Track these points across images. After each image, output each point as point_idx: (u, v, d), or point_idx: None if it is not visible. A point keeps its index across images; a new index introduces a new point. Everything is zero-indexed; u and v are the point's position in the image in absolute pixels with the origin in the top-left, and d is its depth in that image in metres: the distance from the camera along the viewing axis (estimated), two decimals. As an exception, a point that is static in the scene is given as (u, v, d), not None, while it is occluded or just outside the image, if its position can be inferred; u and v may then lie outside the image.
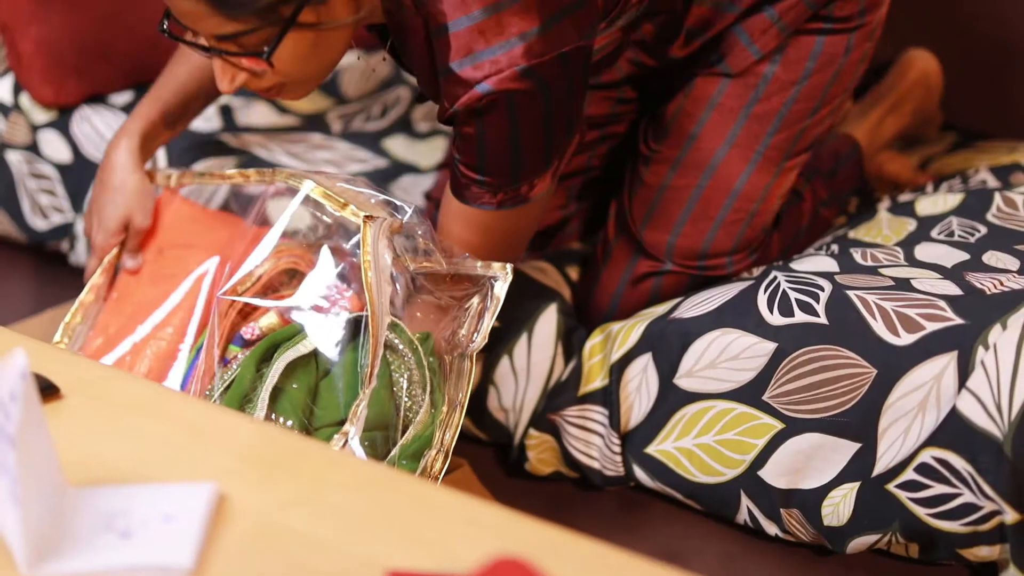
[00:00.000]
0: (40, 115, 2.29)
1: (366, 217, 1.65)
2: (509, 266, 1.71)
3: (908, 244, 1.93)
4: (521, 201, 1.71)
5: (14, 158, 2.30)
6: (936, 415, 1.65)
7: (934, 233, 1.95)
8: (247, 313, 1.77)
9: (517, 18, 1.57)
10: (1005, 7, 2.10)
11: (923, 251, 1.90)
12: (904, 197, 2.13)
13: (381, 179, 2.18)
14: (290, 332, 1.70)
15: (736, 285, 1.87)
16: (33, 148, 2.29)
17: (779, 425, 1.74)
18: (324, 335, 1.68)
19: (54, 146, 2.27)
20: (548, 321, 1.95)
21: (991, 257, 1.84)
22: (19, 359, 1.08)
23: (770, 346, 1.74)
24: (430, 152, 2.29)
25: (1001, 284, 1.73)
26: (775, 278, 1.83)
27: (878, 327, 1.70)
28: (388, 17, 1.67)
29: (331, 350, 1.67)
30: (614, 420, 1.87)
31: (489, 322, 1.69)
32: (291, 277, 1.80)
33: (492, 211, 1.71)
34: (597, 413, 1.89)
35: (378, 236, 1.65)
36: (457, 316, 1.73)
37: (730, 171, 1.94)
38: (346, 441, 1.58)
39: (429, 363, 1.68)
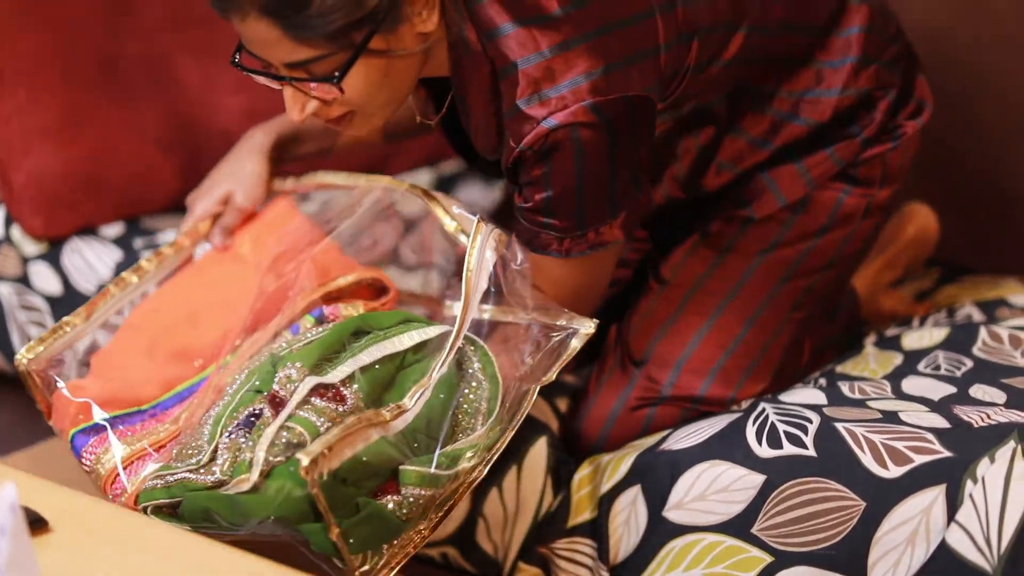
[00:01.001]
0: (31, 247, 2.30)
1: (480, 218, 1.69)
2: (593, 323, 1.71)
3: (895, 377, 1.94)
4: (589, 249, 1.73)
5: (4, 290, 2.31)
6: (926, 548, 1.65)
7: (920, 367, 1.95)
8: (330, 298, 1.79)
9: (584, 58, 1.64)
10: (984, 145, 2.13)
11: (910, 384, 1.90)
12: (890, 332, 2.14)
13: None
14: (389, 320, 1.70)
15: (725, 417, 1.87)
16: (23, 280, 2.29)
17: (768, 558, 1.73)
18: (427, 332, 1.69)
19: (44, 278, 2.28)
20: (538, 454, 1.95)
21: (978, 391, 1.84)
22: (8, 493, 1.08)
23: (759, 478, 1.74)
24: (418, 287, 2.30)
25: (988, 417, 1.73)
26: (763, 410, 1.83)
27: (866, 459, 1.70)
28: (452, 58, 1.70)
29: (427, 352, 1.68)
30: (603, 553, 1.86)
31: (559, 367, 1.69)
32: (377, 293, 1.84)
33: (561, 259, 1.73)
34: (586, 546, 1.88)
35: (487, 240, 1.69)
36: (529, 349, 1.73)
37: (736, 317, 1.95)
38: (400, 412, 1.58)
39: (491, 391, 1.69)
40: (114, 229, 2.32)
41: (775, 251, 1.95)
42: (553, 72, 1.64)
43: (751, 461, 1.76)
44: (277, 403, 1.57)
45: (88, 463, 1.69)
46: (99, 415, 1.72)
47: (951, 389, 1.86)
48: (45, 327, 2.27)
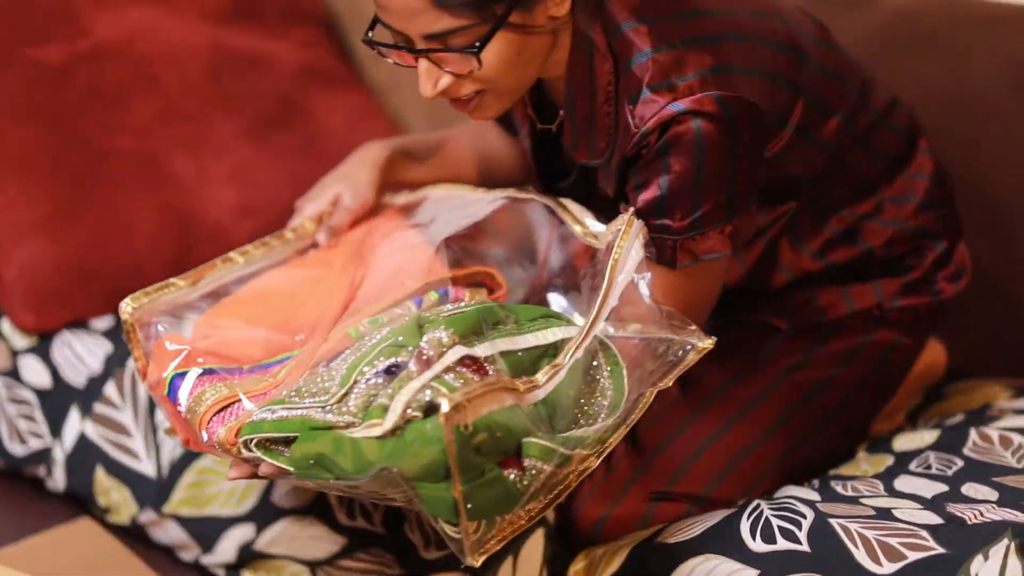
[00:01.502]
0: (20, 341, 2.29)
1: (633, 213, 1.71)
2: (711, 339, 1.71)
3: (887, 476, 1.93)
4: (698, 258, 1.74)
5: (-7, 383, 2.31)
6: (922, 644, 1.64)
7: (912, 466, 1.95)
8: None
9: (712, 54, 1.71)
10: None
11: (902, 483, 1.90)
12: (881, 436, 2.15)
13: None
14: (530, 314, 1.70)
15: (720, 511, 1.87)
16: (12, 373, 2.29)
17: (763, 652, 1.73)
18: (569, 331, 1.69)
19: (34, 371, 2.27)
20: (534, 545, 1.94)
21: (970, 489, 1.84)
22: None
23: (752, 573, 1.73)
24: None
25: (981, 515, 1.73)
26: (758, 505, 1.83)
27: (860, 555, 1.69)
28: (575, 48, 1.75)
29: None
30: (597, 646, 1.85)
31: (675, 375, 1.68)
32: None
33: (670, 270, 1.74)
34: (580, 639, 1.87)
35: (636, 236, 1.71)
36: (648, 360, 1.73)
37: (753, 427, 1.96)
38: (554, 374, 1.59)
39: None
40: (104, 322, 2.32)
41: (802, 371, 1.96)
42: (682, 62, 1.70)
43: (745, 556, 1.75)
44: (424, 361, 1.54)
45: (184, 403, 1.69)
46: (199, 362, 1.73)
47: (943, 487, 1.86)
48: (35, 421, 2.27)
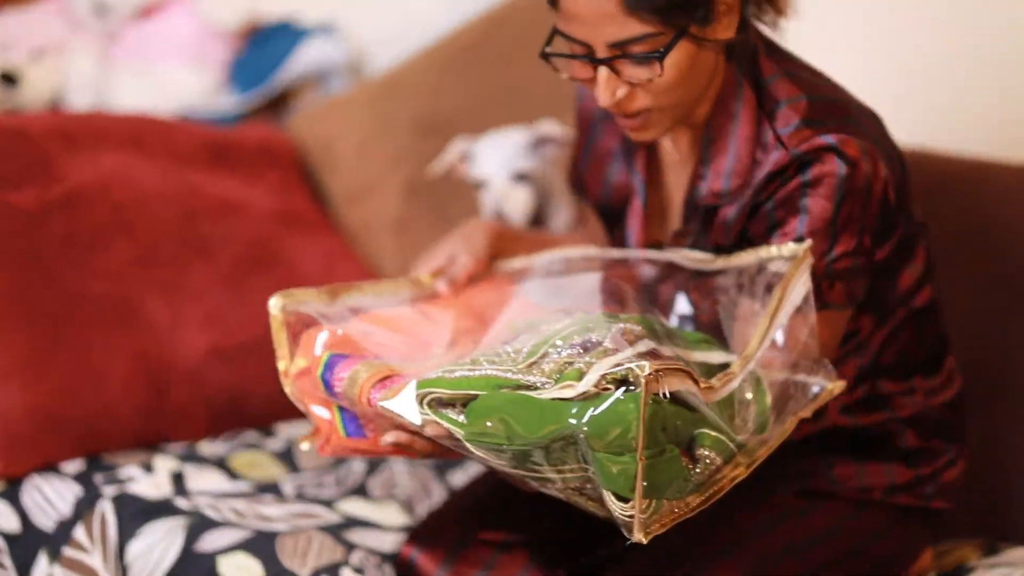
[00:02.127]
0: (-11, 485, 2.27)
1: (807, 247, 1.74)
2: (841, 383, 1.73)
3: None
4: (824, 305, 1.79)
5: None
6: None
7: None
8: None
9: (857, 119, 1.83)
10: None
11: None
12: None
13: (336, 529, 2.17)
14: (693, 337, 1.76)
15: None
16: (-19, 518, 2.26)
17: None
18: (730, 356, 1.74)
19: (3, 516, 2.24)
20: None
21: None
22: None
23: None
24: (386, 515, 2.28)
25: None
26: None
27: None
28: (724, 87, 1.86)
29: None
30: None
31: (812, 408, 1.70)
32: None
33: None
34: None
35: (804, 271, 1.73)
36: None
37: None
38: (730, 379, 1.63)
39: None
40: (74, 465, 2.30)
41: (806, 548, 1.94)
42: (832, 111, 1.82)
43: None
44: (621, 341, 1.60)
45: (343, 376, 1.73)
46: (352, 347, 1.79)
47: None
48: (4, 567, 2.23)
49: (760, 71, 1.86)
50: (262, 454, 2.43)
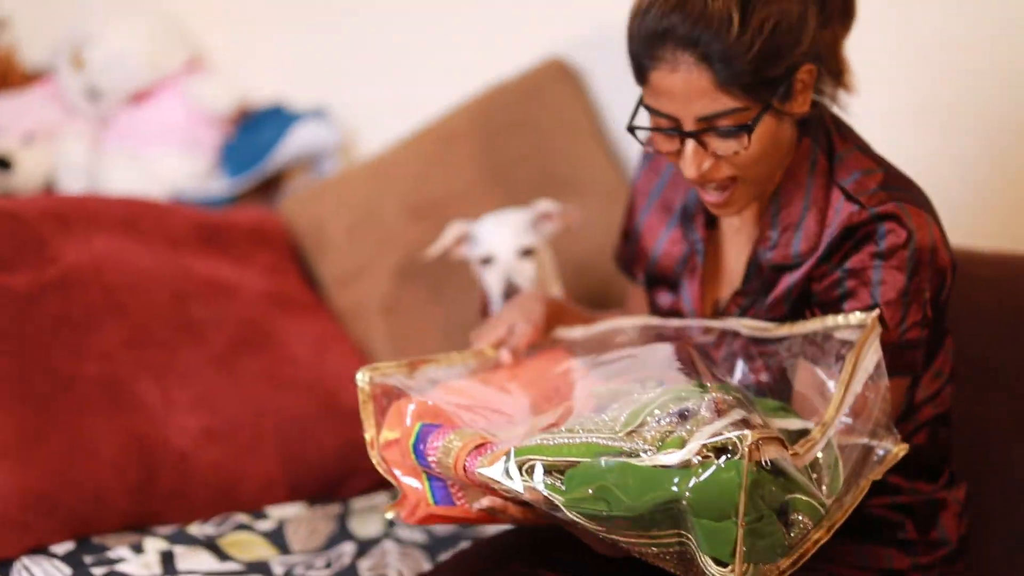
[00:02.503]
0: (-21, 569, 2.26)
1: (876, 316, 1.80)
2: (904, 446, 1.78)
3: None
4: (895, 372, 1.84)
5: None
6: None
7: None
8: None
9: (925, 200, 1.91)
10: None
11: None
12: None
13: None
14: (770, 406, 1.80)
15: None
16: (-31, 600, 2.25)
17: None
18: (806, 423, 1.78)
19: (-8, 598, 2.24)
20: None
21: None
22: None
23: None
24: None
25: None
26: None
27: None
28: (796, 158, 1.93)
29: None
30: None
31: (882, 471, 1.76)
32: None
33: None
34: None
35: (875, 339, 1.78)
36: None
37: None
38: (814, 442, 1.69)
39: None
40: (64, 547, 2.29)
41: None
42: (906, 186, 1.90)
43: None
44: (717, 410, 1.66)
45: (437, 445, 1.79)
46: (441, 417, 1.86)
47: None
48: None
49: (833, 144, 1.95)
50: (253, 535, 2.43)
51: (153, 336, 2.55)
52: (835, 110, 2.02)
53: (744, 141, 1.83)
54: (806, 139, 1.95)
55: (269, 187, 3.41)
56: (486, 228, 2.46)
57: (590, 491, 1.63)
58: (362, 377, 1.94)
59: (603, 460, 1.64)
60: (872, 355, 1.78)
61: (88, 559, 2.26)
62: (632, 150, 2.87)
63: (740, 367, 1.95)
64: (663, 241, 2.14)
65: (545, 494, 1.66)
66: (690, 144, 1.85)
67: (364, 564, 2.40)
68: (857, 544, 1.98)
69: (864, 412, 1.78)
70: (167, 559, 2.29)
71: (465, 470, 1.76)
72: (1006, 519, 2.24)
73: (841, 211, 1.89)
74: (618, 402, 1.76)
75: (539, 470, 1.67)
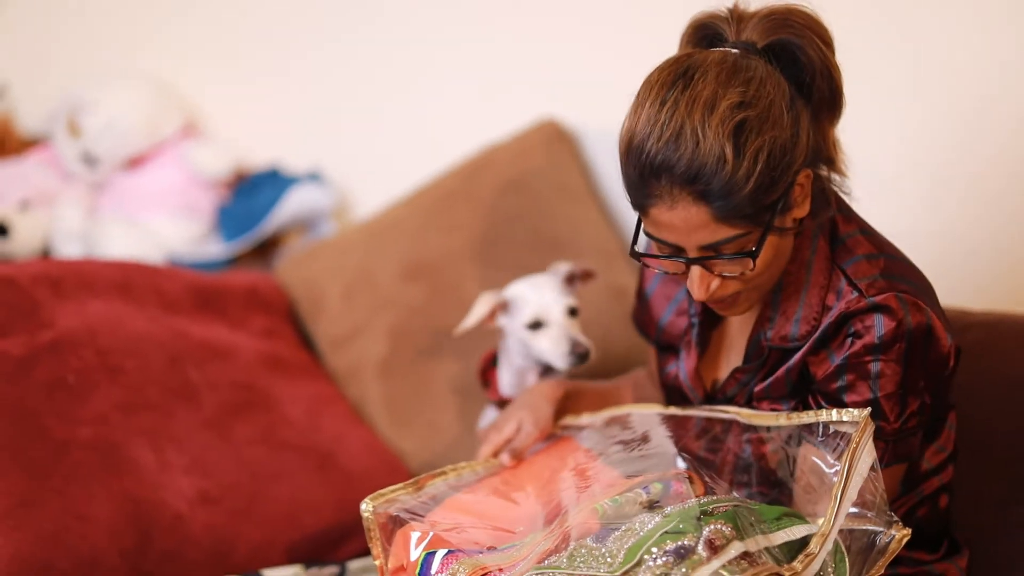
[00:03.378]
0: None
1: (867, 415, 1.81)
2: (907, 530, 1.79)
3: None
4: (895, 459, 1.90)
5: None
6: None
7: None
8: None
9: (924, 284, 1.92)
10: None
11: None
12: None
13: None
14: (773, 513, 1.81)
15: None
16: (-37, 668, 2.23)
17: None
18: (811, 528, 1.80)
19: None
20: None
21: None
22: None
23: None
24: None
25: None
26: None
27: None
28: (796, 248, 1.94)
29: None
30: None
31: (885, 562, 1.80)
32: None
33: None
34: None
35: (868, 439, 1.80)
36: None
37: None
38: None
39: None
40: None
41: None
42: (907, 274, 1.91)
43: None
44: (713, 548, 1.69)
45: (442, 575, 1.86)
46: (445, 541, 1.91)
47: None
48: None
49: (836, 226, 1.95)
50: (248, 598, 2.42)
51: (148, 399, 2.54)
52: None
53: (748, 263, 1.83)
54: (808, 219, 1.95)
55: (265, 250, 3.41)
56: (526, 293, 2.41)
57: None
58: (366, 507, 1.99)
59: None
60: (867, 457, 1.80)
61: (82, 625, 2.24)
62: (627, 211, 2.88)
63: (745, 451, 1.99)
64: (671, 311, 2.16)
65: None
66: (695, 270, 1.87)
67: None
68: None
69: (865, 505, 1.80)
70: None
71: None
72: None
73: (842, 294, 1.89)
74: (619, 529, 1.78)
75: None
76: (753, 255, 1.81)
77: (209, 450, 2.56)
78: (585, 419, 2.20)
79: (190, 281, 2.85)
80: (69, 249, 3.32)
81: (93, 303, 2.62)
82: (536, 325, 2.36)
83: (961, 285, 2.54)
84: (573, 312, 2.38)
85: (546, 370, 2.42)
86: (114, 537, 2.36)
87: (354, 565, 2.56)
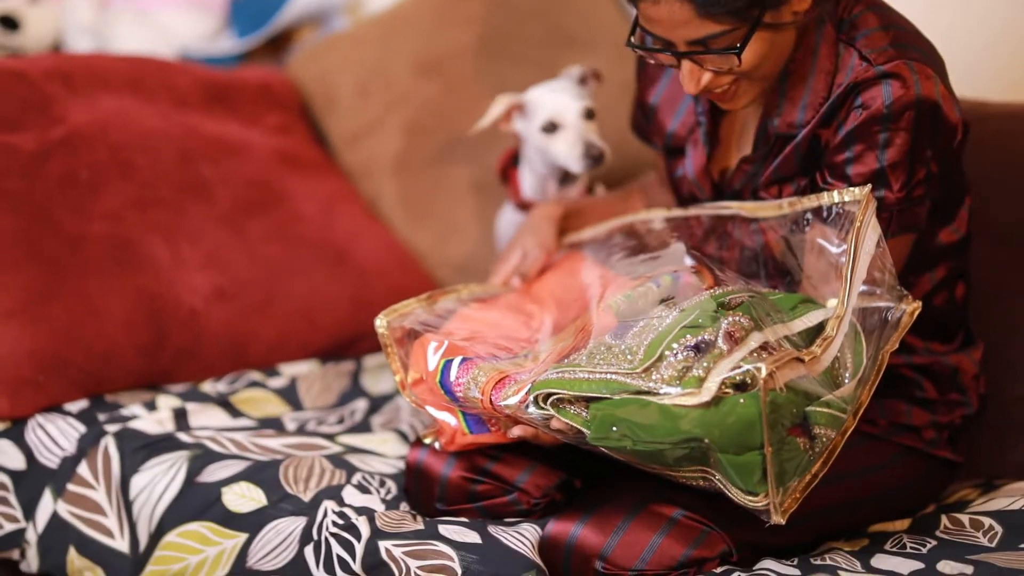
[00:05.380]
0: (-7, 424, 2.29)
1: (868, 192, 1.82)
2: (917, 303, 1.81)
3: (863, 555, 1.93)
4: (901, 229, 1.91)
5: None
6: None
7: (887, 546, 1.96)
8: None
9: (935, 55, 1.92)
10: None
11: (878, 561, 1.90)
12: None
13: (338, 456, 2.21)
14: (791, 302, 1.83)
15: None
16: (-14, 457, 2.27)
17: None
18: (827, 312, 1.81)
19: (7, 454, 2.25)
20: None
21: (945, 566, 1.85)
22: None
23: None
24: (386, 446, 2.31)
25: None
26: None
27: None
28: (803, 36, 1.93)
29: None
30: None
31: (899, 337, 1.80)
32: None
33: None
34: None
35: (871, 215, 1.80)
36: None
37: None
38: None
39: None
40: (78, 405, 2.31)
41: (841, 480, 1.96)
42: (918, 43, 1.90)
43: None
44: (733, 340, 1.70)
45: (463, 380, 1.88)
46: (461, 352, 1.93)
47: (919, 565, 1.86)
48: (9, 504, 2.24)
49: (844, 8, 1.93)
50: (265, 392, 2.45)
51: (161, 196, 2.54)
52: None
53: (735, 60, 1.84)
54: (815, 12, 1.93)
55: (278, 45, 3.37)
56: (542, 96, 2.38)
57: (614, 429, 1.69)
58: (380, 323, 2.02)
59: (625, 398, 1.70)
60: (871, 234, 1.80)
61: (102, 416, 2.28)
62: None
63: (753, 242, 2.00)
64: (680, 114, 2.16)
65: (570, 424, 1.74)
66: (685, 64, 1.88)
67: (377, 420, 2.42)
68: (876, 399, 1.99)
69: (874, 282, 1.80)
70: (180, 416, 2.31)
71: (492, 403, 1.83)
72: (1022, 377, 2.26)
73: (853, 68, 1.89)
74: (636, 325, 1.79)
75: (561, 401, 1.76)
76: (738, 51, 1.82)
77: (223, 247, 2.56)
78: (588, 233, 2.23)
79: (202, 77, 2.82)
80: (80, 43, 3.28)
81: (105, 98, 2.60)
82: (551, 128, 2.34)
83: (978, 76, 2.51)
84: (589, 115, 2.35)
85: (565, 177, 2.41)
86: (130, 332, 2.39)
87: (370, 361, 2.59)
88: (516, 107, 2.38)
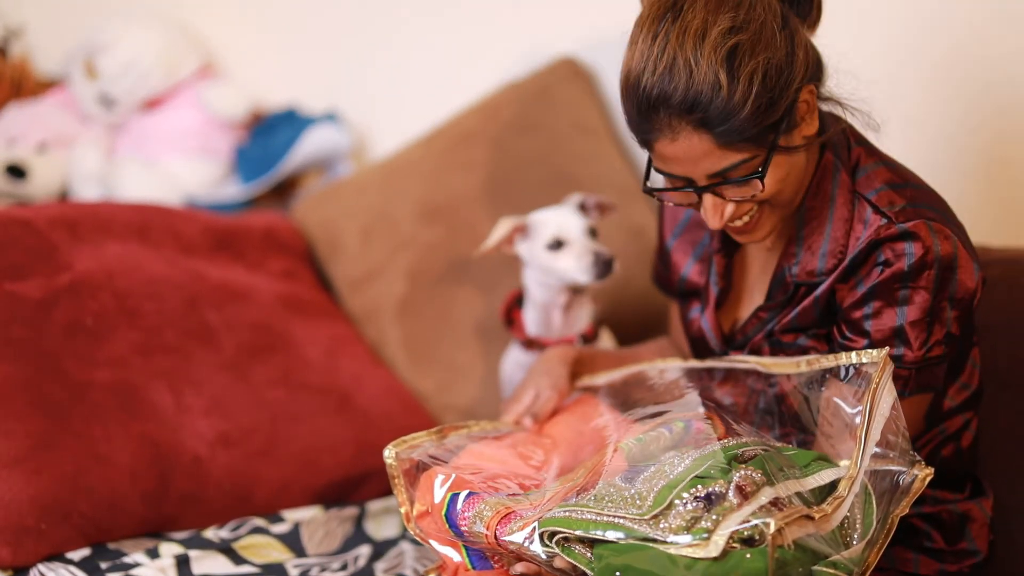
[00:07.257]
0: (-5, 574, 2.27)
1: (886, 354, 1.82)
2: (930, 469, 1.80)
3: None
4: (919, 388, 1.90)
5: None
6: None
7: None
8: None
9: (947, 212, 1.92)
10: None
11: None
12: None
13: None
14: (806, 459, 1.83)
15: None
16: (-15, 605, 2.25)
17: None
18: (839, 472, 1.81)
19: (8, 603, 2.24)
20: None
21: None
22: None
23: None
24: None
25: None
26: None
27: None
28: (817, 173, 1.95)
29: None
30: None
31: (909, 502, 1.79)
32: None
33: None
34: None
35: (887, 377, 1.81)
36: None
37: None
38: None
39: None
40: (80, 553, 2.29)
41: None
42: (933, 203, 1.91)
43: None
44: (744, 495, 1.69)
45: (468, 514, 1.88)
46: (468, 483, 1.93)
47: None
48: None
49: (856, 157, 1.95)
50: (268, 538, 2.42)
51: (166, 342, 2.55)
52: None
53: (758, 186, 1.85)
54: (828, 154, 1.96)
55: (283, 191, 3.41)
56: (545, 216, 2.42)
57: (618, 573, 1.69)
58: (389, 453, 2.01)
59: (631, 543, 1.70)
60: (887, 396, 1.81)
61: (104, 564, 2.26)
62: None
63: (767, 394, 2.00)
64: (691, 265, 2.18)
65: (572, 561, 1.74)
66: (707, 199, 1.89)
67: (380, 566, 2.40)
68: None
69: (886, 445, 1.80)
70: (182, 563, 2.28)
71: (496, 538, 1.83)
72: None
73: (869, 223, 1.90)
74: (647, 470, 1.79)
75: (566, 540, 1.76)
76: (760, 176, 1.83)
77: (228, 392, 2.56)
78: (602, 378, 2.23)
79: (207, 223, 2.84)
80: (87, 191, 3.32)
81: (111, 245, 2.62)
82: (557, 245, 2.36)
83: (980, 220, 2.53)
84: (593, 233, 2.38)
85: (570, 303, 2.42)
86: (134, 479, 2.37)
87: (374, 506, 2.58)
88: (519, 229, 2.40)
